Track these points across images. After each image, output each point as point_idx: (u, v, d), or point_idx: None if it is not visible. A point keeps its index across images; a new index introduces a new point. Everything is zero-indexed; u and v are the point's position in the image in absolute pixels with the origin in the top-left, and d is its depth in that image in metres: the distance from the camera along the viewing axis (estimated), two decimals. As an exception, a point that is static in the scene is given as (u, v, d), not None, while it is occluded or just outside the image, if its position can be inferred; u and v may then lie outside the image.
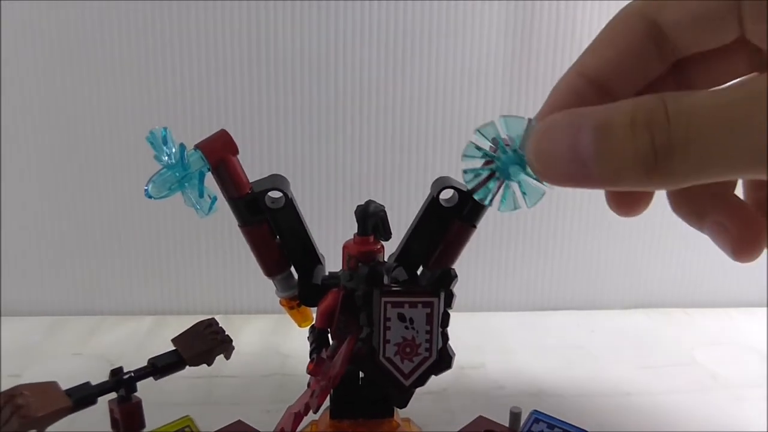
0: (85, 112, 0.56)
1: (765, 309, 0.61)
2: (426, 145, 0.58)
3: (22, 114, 0.56)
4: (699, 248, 0.62)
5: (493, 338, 0.56)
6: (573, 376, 0.49)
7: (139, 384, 0.32)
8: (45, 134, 0.56)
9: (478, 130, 0.26)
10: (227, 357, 0.34)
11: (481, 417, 0.36)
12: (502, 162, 0.26)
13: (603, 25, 0.25)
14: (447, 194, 0.34)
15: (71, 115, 0.56)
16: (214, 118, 0.56)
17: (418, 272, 0.35)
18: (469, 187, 0.28)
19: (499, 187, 0.27)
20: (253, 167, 0.33)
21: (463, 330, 0.56)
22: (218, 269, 0.60)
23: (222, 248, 0.59)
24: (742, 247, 0.24)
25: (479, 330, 0.57)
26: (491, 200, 0.28)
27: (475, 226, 0.34)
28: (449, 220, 0.34)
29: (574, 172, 0.20)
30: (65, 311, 0.59)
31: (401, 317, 0.30)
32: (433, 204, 0.34)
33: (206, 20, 0.54)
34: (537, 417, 0.33)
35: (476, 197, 0.28)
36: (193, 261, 0.59)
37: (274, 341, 0.54)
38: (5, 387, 0.45)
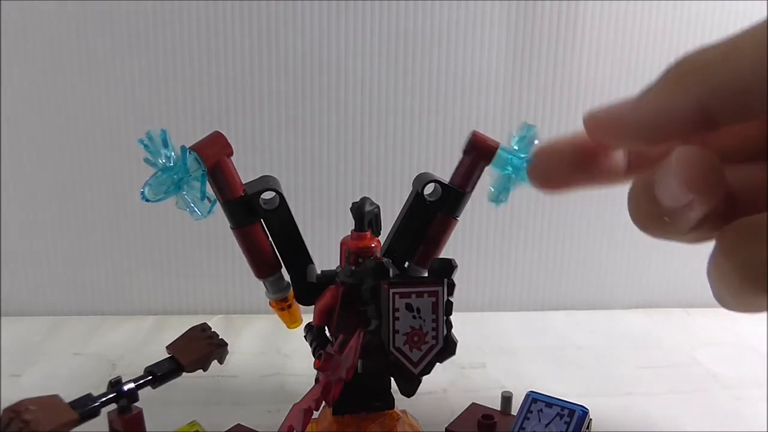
0: (86, 113, 0.56)
1: (765, 309, 0.61)
2: (427, 146, 0.58)
3: (22, 114, 0.56)
4: (699, 248, 0.62)
5: (494, 338, 0.56)
6: (573, 376, 0.49)
7: (140, 384, 0.32)
8: (45, 134, 0.56)
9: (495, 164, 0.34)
10: (221, 361, 0.34)
11: (474, 404, 0.37)
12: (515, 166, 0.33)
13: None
14: (429, 188, 0.36)
15: (71, 115, 0.56)
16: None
17: (405, 266, 0.37)
18: (495, 195, 0.34)
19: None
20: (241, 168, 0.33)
21: (463, 330, 0.56)
22: (219, 269, 0.60)
23: (223, 248, 0.59)
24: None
25: (479, 330, 0.57)
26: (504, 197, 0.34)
27: (457, 218, 0.36)
28: (433, 214, 0.35)
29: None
30: (65, 311, 0.59)
31: (409, 307, 0.31)
32: (417, 199, 0.35)
33: (207, 20, 0.54)
34: (534, 397, 0.33)
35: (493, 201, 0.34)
36: (194, 261, 0.59)
37: (275, 341, 0.54)
38: (5, 387, 0.45)
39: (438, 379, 0.47)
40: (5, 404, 0.27)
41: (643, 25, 0.57)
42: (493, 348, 0.54)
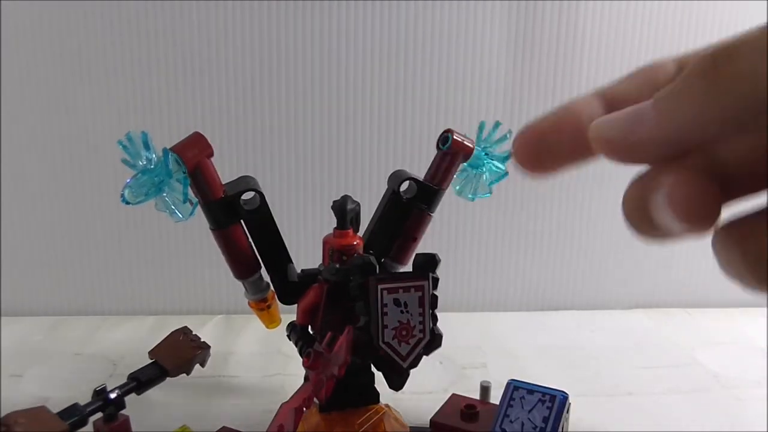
0: (86, 114, 0.56)
1: (765, 309, 0.61)
2: (427, 147, 0.58)
3: (22, 115, 0.56)
4: (699, 248, 0.62)
5: (494, 338, 0.56)
6: (573, 376, 0.49)
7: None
8: (45, 134, 0.56)
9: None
10: (203, 365, 0.34)
11: (454, 395, 0.38)
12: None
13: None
14: (404, 186, 0.36)
15: (71, 116, 0.56)
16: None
17: (381, 262, 0.37)
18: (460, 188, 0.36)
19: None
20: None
21: (464, 330, 0.56)
22: (219, 269, 0.59)
23: (222, 248, 0.59)
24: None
25: (479, 330, 0.57)
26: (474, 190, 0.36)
27: (431, 214, 0.37)
28: (409, 210, 0.36)
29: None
30: (65, 311, 0.59)
31: (397, 302, 0.32)
32: (393, 197, 0.36)
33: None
34: (515, 385, 0.34)
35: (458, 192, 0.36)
36: (194, 261, 0.59)
37: (276, 341, 0.54)
38: (5, 387, 0.45)
39: (439, 379, 0.47)
40: (5, 404, 0.27)
41: (643, 25, 0.57)
42: (494, 348, 0.54)
